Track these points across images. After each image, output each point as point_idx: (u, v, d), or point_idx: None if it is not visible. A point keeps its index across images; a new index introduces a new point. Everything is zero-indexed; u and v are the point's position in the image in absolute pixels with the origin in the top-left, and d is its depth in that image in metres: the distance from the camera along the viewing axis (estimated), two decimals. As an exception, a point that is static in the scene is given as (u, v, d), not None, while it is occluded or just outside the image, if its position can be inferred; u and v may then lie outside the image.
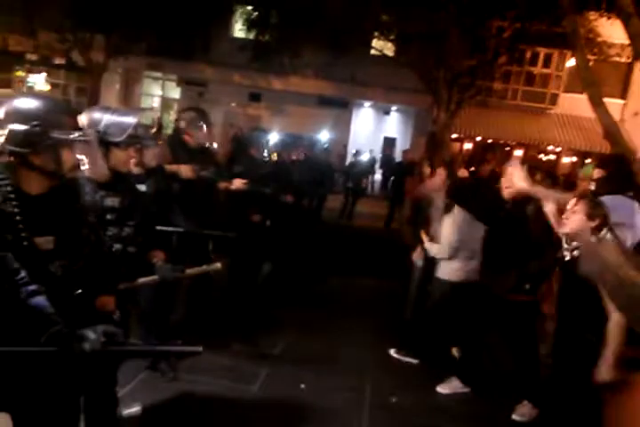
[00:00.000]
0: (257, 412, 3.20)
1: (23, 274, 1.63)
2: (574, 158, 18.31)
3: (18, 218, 1.69)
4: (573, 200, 2.77)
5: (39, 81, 17.57)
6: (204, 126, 3.65)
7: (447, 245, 3.78)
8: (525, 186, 3.14)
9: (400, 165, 10.32)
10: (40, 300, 1.60)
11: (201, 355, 1.53)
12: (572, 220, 2.72)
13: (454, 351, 4.10)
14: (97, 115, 2.29)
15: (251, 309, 4.56)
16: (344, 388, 3.55)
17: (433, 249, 3.90)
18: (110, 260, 2.08)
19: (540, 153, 18.08)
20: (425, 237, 4.02)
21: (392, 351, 4.18)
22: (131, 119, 2.33)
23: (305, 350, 4.05)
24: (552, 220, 3.03)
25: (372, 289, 5.94)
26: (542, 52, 16.57)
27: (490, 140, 16.93)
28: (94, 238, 1.95)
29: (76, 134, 1.77)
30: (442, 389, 3.68)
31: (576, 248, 2.72)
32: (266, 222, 4.58)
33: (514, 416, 3.38)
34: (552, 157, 18.19)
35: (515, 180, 3.17)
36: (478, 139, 17.25)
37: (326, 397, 3.41)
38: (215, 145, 4.42)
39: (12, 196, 1.71)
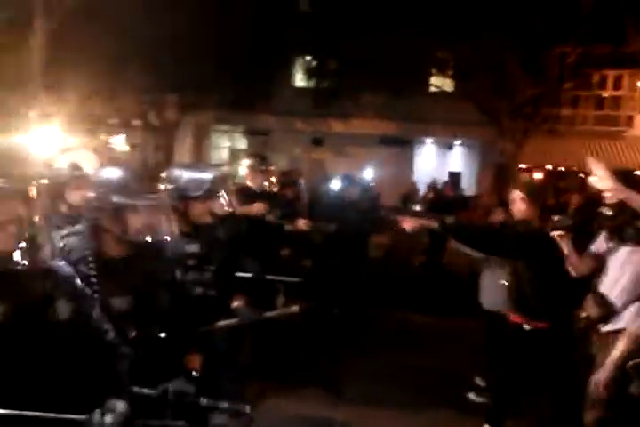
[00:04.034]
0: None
1: (112, 335, 1.69)
2: (659, 181, 17.15)
3: (93, 279, 1.77)
4: None
5: (119, 142, 18.96)
6: (265, 171, 3.77)
7: None
8: (610, 185, 2.59)
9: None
10: (124, 367, 1.65)
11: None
12: None
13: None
14: (177, 172, 2.49)
15: (322, 352, 4.47)
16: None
17: None
18: (192, 323, 2.08)
19: (619, 178, 17.09)
20: None
21: (471, 395, 3.92)
22: (207, 175, 2.48)
23: (379, 393, 3.90)
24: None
25: (438, 327, 5.70)
26: (611, 74, 16.01)
27: (562, 169, 16.25)
28: (175, 303, 1.96)
29: (147, 198, 1.84)
30: None
31: None
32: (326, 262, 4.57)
33: None
34: (634, 181, 17.13)
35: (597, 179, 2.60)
36: (549, 168, 16.62)
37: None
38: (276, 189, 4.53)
39: (90, 258, 1.80)
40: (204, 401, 1.68)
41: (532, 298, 3.12)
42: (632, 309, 2.91)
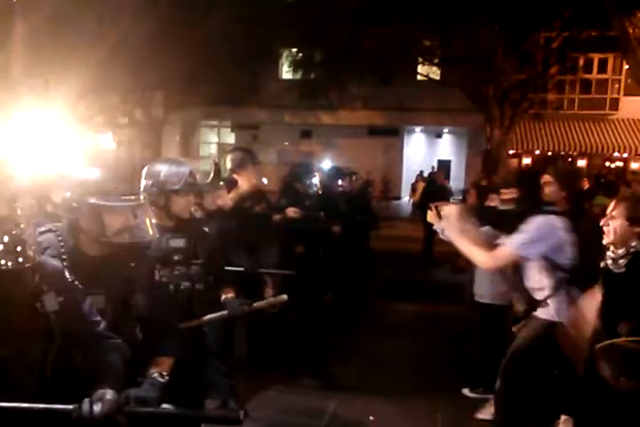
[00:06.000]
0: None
1: (103, 326, 1.68)
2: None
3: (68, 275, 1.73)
4: (612, 203, 2.42)
5: (106, 140, 18.81)
6: (252, 165, 3.72)
7: None
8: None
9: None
10: (115, 358, 1.64)
11: (242, 424, 1.45)
12: (613, 226, 2.36)
13: None
14: (157, 167, 2.43)
15: (316, 342, 4.49)
16: (414, 420, 3.42)
17: None
18: (175, 328, 2.07)
19: (605, 161, 17.24)
20: None
21: (466, 391, 3.92)
22: (185, 168, 2.44)
23: (373, 383, 3.93)
24: None
25: (439, 317, 5.73)
26: (596, 57, 16.06)
27: (550, 153, 16.35)
28: (149, 304, 1.94)
29: (125, 200, 1.80)
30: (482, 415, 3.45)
31: (622, 257, 2.34)
32: (319, 253, 4.56)
33: None
34: (619, 164, 17.28)
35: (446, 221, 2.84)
36: (537, 152, 16.72)
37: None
38: (265, 182, 4.46)
39: (64, 256, 1.78)
40: (165, 408, 1.62)
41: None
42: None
